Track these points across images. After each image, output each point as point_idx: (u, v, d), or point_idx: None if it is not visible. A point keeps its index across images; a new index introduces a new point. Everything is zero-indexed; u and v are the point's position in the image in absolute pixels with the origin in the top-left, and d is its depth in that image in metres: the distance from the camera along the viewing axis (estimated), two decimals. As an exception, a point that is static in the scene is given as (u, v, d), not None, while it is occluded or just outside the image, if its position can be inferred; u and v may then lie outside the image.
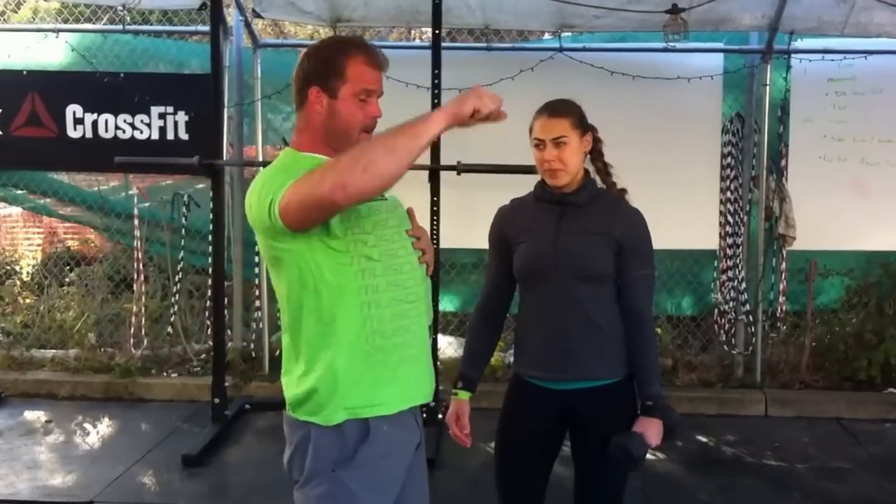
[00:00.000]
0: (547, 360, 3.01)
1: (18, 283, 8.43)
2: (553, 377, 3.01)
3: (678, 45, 6.33)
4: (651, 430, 2.90)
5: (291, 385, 2.42)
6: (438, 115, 2.27)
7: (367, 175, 2.15)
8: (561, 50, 6.53)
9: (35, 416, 6.28)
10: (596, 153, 3.14)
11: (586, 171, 3.10)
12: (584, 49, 6.59)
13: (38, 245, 9.27)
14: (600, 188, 3.12)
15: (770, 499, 4.99)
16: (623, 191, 3.13)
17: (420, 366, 2.47)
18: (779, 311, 6.92)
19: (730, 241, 6.81)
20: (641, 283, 2.99)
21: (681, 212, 6.53)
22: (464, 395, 3.17)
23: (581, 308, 2.96)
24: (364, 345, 2.34)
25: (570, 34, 6.78)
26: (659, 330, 7.14)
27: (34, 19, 8.80)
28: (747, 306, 6.80)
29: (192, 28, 7.40)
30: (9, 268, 8.69)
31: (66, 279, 7.94)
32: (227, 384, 6.13)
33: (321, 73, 2.40)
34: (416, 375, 2.46)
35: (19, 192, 7.65)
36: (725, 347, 6.91)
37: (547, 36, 7.01)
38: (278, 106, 7.15)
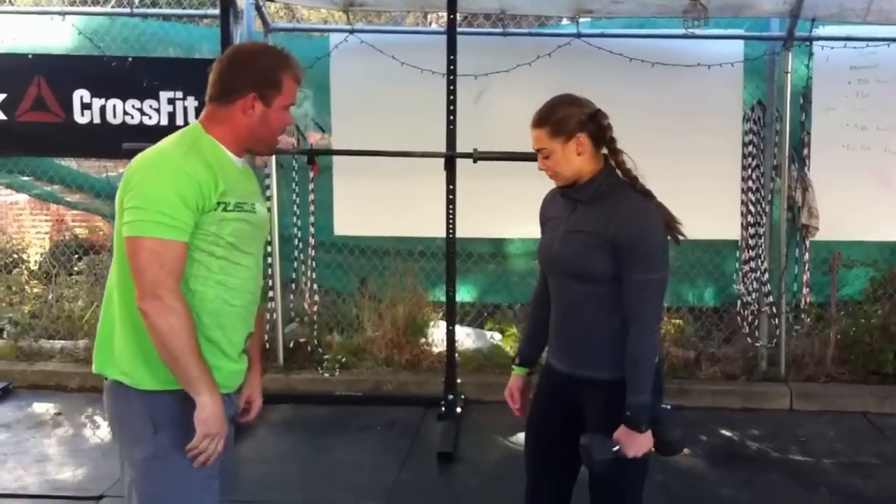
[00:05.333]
0: (555, 345, 3.11)
1: (26, 272, 8.33)
2: (559, 362, 3.08)
3: (698, 32, 6.19)
4: (626, 440, 2.85)
5: None
6: (211, 399, 2.49)
7: (156, 334, 2.46)
8: (578, 36, 6.40)
9: (44, 408, 6.19)
10: (610, 149, 3.01)
11: (605, 165, 3.00)
12: (602, 35, 6.47)
13: (46, 233, 9.18)
14: (614, 183, 2.99)
15: (795, 494, 4.90)
16: (640, 186, 2.98)
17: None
18: (802, 302, 6.80)
19: (752, 231, 6.68)
20: (635, 287, 2.86)
21: (701, 201, 6.34)
22: (519, 371, 3.29)
23: (577, 306, 2.98)
24: None
25: (587, 20, 6.66)
26: (680, 321, 7.05)
27: (40, 1, 8.67)
28: (770, 297, 6.68)
29: (201, 12, 7.27)
30: (16, 256, 8.59)
31: (75, 268, 7.82)
32: (240, 377, 6.03)
33: (261, 81, 2.62)
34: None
35: (25, 178, 7.56)
36: (749, 339, 6.78)
37: (564, 21, 6.90)
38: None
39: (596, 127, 2.97)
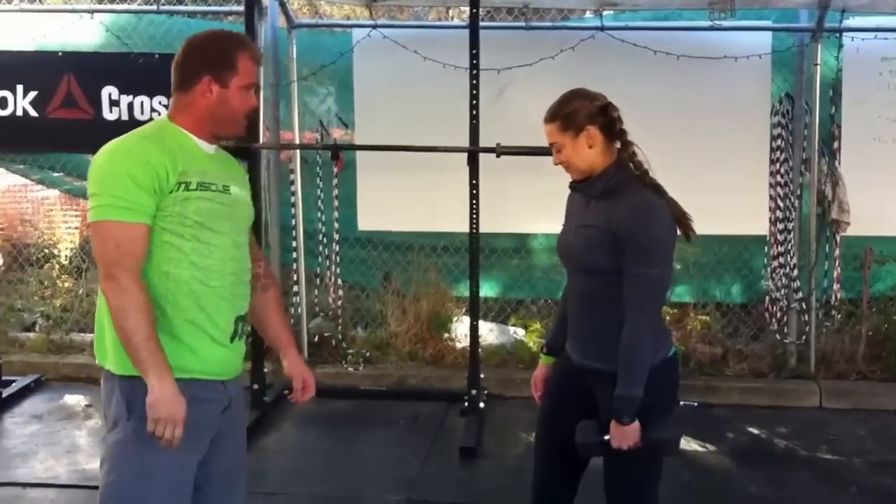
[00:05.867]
0: (571, 336, 3.19)
1: (57, 266, 8.41)
2: (573, 353, 3.15)
3: (724, 24, 6.12)
4: (613, 431, 2.92)
5: None
6: (160, 384, 2.49)
7: (114, 310, 2.51)
8: (602, 29, 6.33)
9: (75, 400, 6.26)
10: (621, 142, 3.05)
11: (617, 158, 3.04)
12: (626, 28, 6.39)
13: (76, 228, 9.24)
14: (623, 178, 3.01)
15: (824, 493, 4.83)
16: (651, 181, 3.00)
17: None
18: (833, 298, 6.67)
19: (780, 226, 6.58)
20: (632, 280, 2.89)
21: (728, 196, 6.35)
22: (545, 360, 3.39)
23: (588, 298, 3.04)
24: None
25: (611, 12, 6.58)
26: (707, 318, 6.96)
27: (69, 0, 8.75)
28: (800, 294, 6.58)
29: (226, 8, 7.30)
30: (47, 251, 8.67)
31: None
32: (266, 370, 6.11)
33: (215, 63, 2.67)
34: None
35: (56, 175, 7.64)
36: (777, 336, 6.69)
37: (588, 14, 6.84)
38: (315, 88, 7.04)
39: (606, 120, 2.99)
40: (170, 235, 2.59)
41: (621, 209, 2.90)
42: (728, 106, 6.46)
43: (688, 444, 5.44)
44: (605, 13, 6.43)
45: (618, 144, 3.03)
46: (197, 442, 2.66)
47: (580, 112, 3.00)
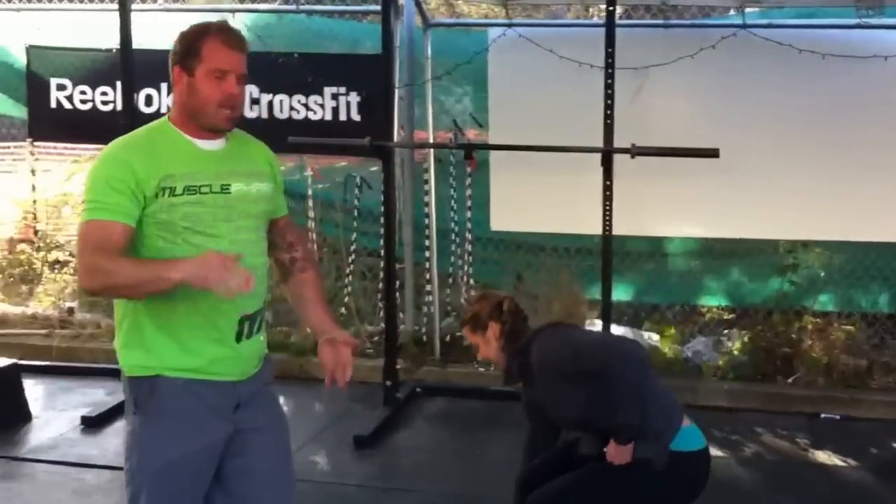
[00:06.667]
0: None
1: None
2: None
3: (872, 21, 5.90)
4: (609, 447, 3.33)
5: None
6: (180, 271, 2.47)
7: (105, 291, 2.64)
8: (744, 27, 6.12)
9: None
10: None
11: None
12: (769, 25, 6.17)
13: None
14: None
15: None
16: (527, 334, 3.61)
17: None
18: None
19: (932, 232, 6.26)
20: (605, 385, 3.30)
21: (875, 200, 6.08)
22: None
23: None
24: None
25: (754, 10, 6.39)
26: (852, 327, 6.70)
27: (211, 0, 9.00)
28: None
29: (364, 8, 7.39)
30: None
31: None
32: (398, 367, 6.16)
33: (182, 54, 2.65)
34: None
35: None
36: (927, 349, 6.40)
37: (731, 12, 6.65)
38: (450, 87, 7.05)
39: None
40: (163, 242, 2.61)
41: (538, 373, 3.46)
42: (876, 106, 6.17)
43: (829, 457, 5.28)
44: (747, 10, 6.26)
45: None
46: (192, 436, 2.69)
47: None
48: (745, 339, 6.62)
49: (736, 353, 6.55)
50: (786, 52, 5.98)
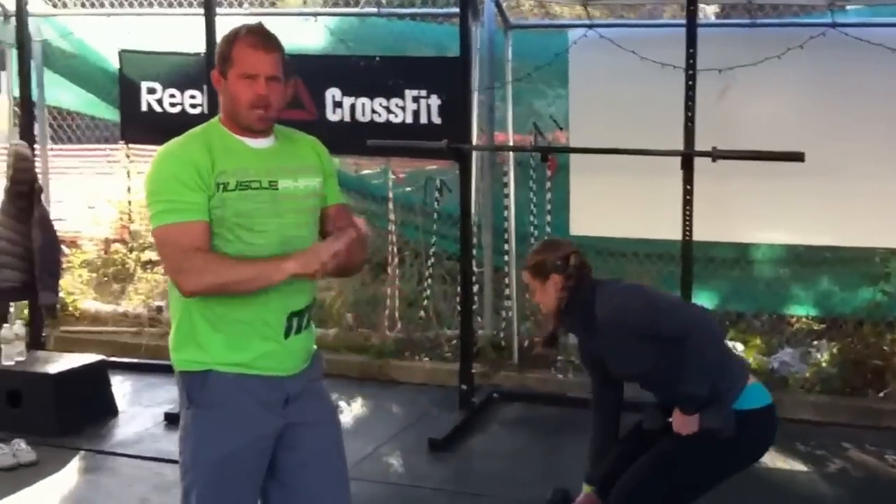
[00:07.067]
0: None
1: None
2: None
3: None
4: (674, 417, 3.39)
5: None
6: (287, 267, 2.59)
7: (212, 290, 2.64)
8: (833, 26, 5.90)
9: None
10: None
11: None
12: (861, 24, 5.97)
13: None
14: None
15: None
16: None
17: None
18: None
19: None
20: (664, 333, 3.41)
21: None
22: (587, 489, 3.85)
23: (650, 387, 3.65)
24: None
25: (844, 8, 6.17)
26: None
27: (305, 2, 9.13)
28: None
29: (444, 10, 7.36)
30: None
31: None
32: (475, 372, 6.15)
33: (219, 59, 2.74)
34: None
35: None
36: None
37: (819, 9, 6.44)
38: (531, 89, 6.98)
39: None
40: (216, 238, 2.68)
41: (604, 317, 3.44)
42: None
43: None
44: (836, 9, 6.03)
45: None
46: (243, 429, 2.75)
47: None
48: (834, 350, 6.40)
49: (824, 364, 6.33)
50: (878, 52, 5.76)
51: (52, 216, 6.38)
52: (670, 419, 3.41)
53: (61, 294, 7.32)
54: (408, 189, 7.46)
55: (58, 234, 6.34)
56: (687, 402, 3.33)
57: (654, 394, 3.62)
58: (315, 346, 2.99)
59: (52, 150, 8.16)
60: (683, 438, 3.36)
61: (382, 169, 7.52)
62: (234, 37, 2.71)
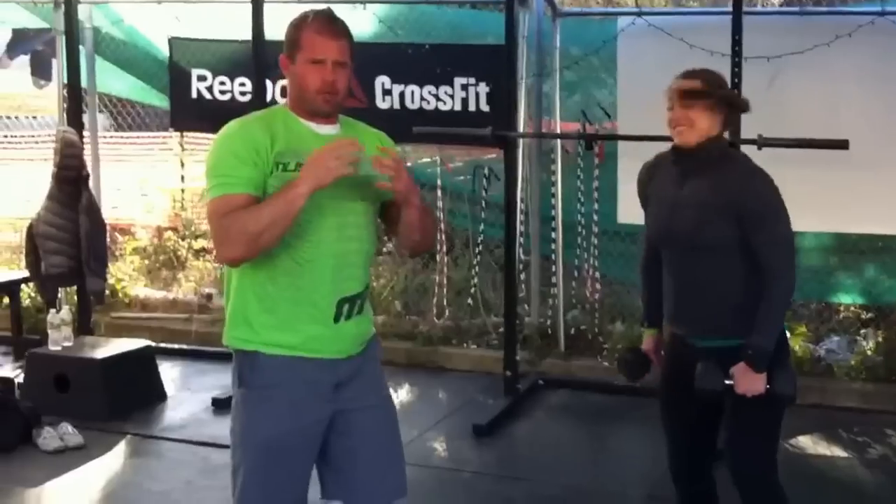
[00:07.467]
0: (679, 317, 3.29)
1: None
2: (687, 334, 3.26)
3: None
4: (741, 376, 3.05)
5: None
6: (304, 183, 2.59)
7: (247, 248, 2.62)
8: (882, 14, 5.82)
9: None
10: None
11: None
12: (909, 12, 5.89)
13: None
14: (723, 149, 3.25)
15: None
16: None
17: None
18: None
19: None
20: (773, 243, 3.07)
21: None
22: (650, 332, 3.56)
23: (703, 278, 3.16)
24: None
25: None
26: None
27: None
28: None
29: (491, -2, 7.39)
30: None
31: (384, 249, 8.11)
32: (521, 359, 6.20)
33: (287, 44, 2.78)
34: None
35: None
36: None
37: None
38: (578, 77, 6.99)
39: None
40: None
41: (734, 178, 3.10)
42: None
43: None
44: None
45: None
46: (291, 412, 2.77)
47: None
48: (881, 338, 6.36)
49: (870, 353, 6.28)
50: (928, 40, 5.72)
51: (107, 203, 6.43)
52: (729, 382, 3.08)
53: (111, 281, 7.44)
54: (458, 178, 7.48)
55: (107, 221, 6.40)
56: (760, 357, 3.03)
57: (677, 303, 3.28)
58: (373, 331, 2.97)
59: (107, 136, 8.24)
60: (752, 401, 3.07)
61: (433, 159, 7.56)
62: (302, 22, 2.75)
